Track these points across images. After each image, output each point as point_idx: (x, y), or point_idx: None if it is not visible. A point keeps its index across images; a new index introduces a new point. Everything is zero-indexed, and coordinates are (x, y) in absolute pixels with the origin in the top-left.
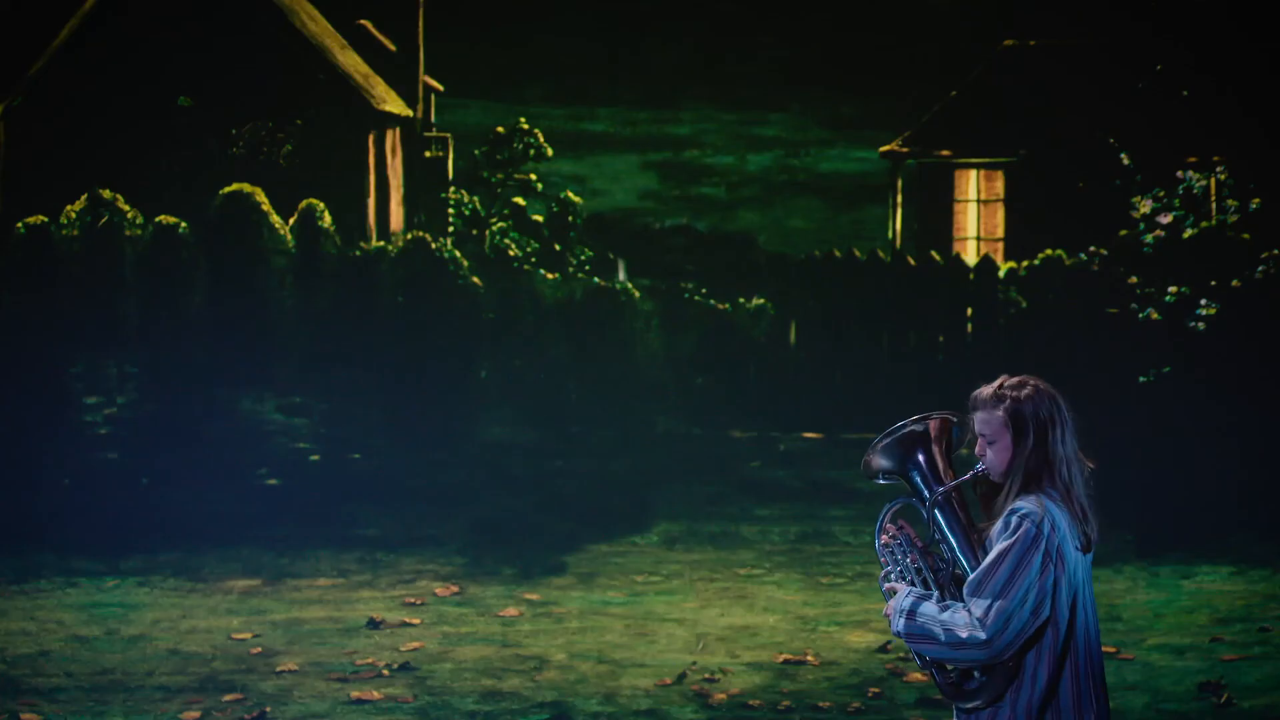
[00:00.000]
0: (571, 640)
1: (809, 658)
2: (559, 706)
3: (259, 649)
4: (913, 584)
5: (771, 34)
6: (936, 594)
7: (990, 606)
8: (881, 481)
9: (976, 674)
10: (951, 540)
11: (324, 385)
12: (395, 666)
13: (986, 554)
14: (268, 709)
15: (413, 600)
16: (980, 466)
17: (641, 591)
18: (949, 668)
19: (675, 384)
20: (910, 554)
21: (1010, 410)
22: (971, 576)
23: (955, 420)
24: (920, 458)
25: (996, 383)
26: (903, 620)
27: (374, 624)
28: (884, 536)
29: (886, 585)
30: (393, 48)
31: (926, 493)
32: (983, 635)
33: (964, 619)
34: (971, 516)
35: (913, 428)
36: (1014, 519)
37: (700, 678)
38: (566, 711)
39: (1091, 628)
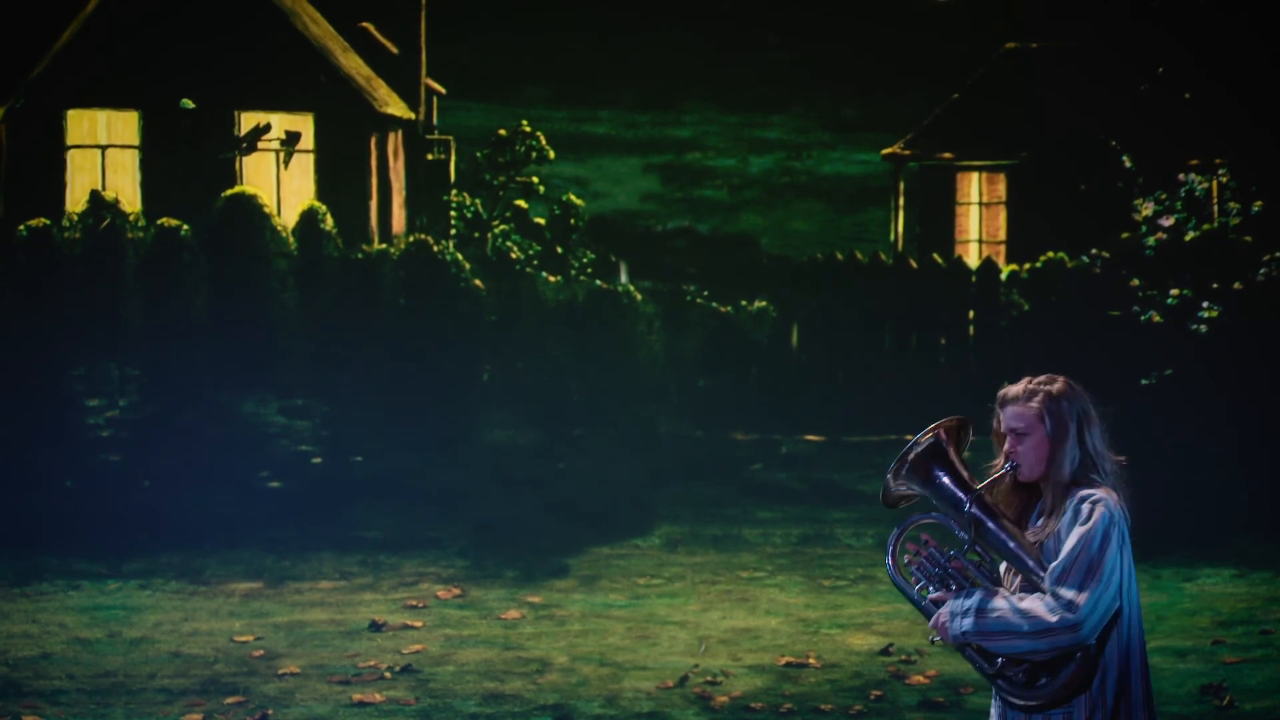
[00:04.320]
0: (573, 643)
1: (811, 660)
2: (561, 709)
3: (261, 651)
4: (960, 588)
5: (773, 36)
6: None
7: (1080, 589)
8: (902, 506)
9: (1046, 672)
10: (1001, 536)
11: (326, 387)
12: (397, 669)
13: (1031, 546)
14: (270, 711)
15: (414, 603)
16: (1011, 464)
17: (643, 594)
18: (1015, 667)
19: (677, 386)
20: (946, 560)
21: (1046, 404)
22: (1055, 564)
23: (959, 422)
24: (943, 469)
25: (1025, 380)
26: (970, 620)
27: (376, 626)
28: (905, 556)
29: (931, 597)
30: (394, 50)
31: (962, 495)
32: (1074, 617)
33: (1047, 605)
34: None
35: (926, 442)
36: (1085, 506)
37: (702, 680)
38: (568, 714)
39: (1140, 614)
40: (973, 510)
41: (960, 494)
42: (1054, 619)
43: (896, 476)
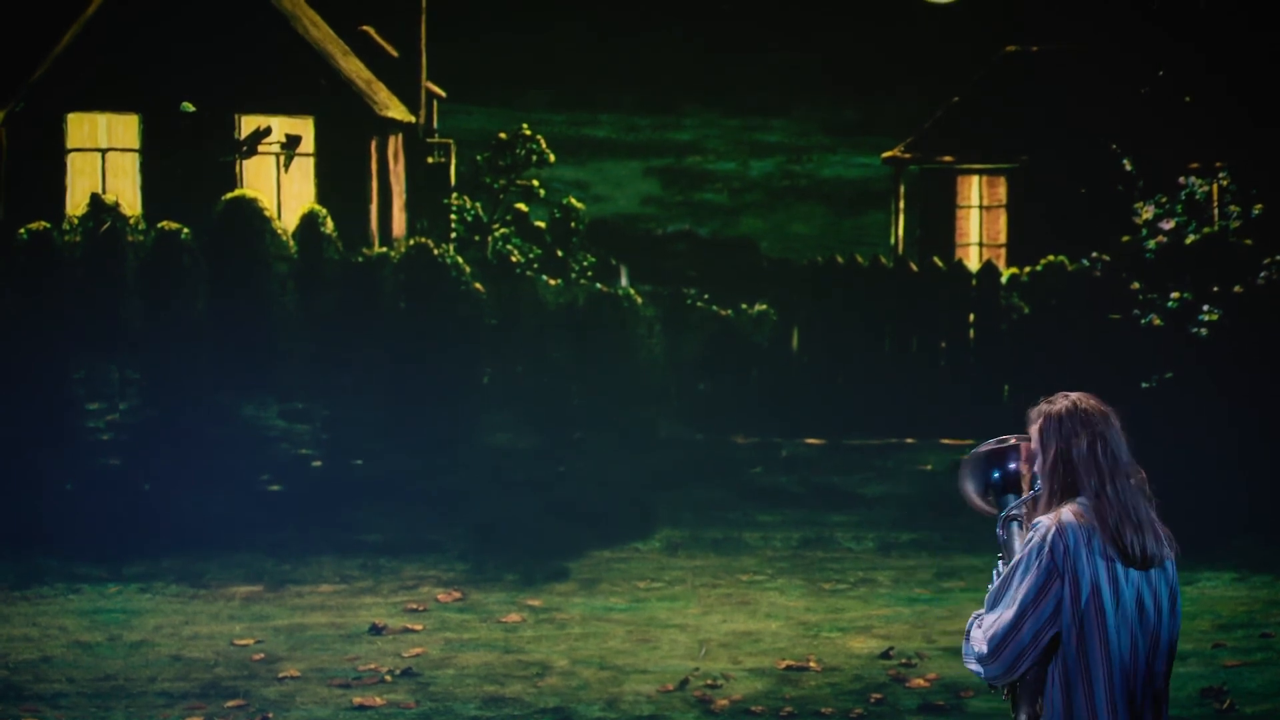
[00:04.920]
0: (574, 646)
1: (811, 663)
2: (561, 713)
3: (261, 655)
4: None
5: (773, 40)
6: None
7: (995, 619)
8: (984, 507)
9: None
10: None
11: (326, 391)
12: (398, 672)
13: None
14: (270, 715)
15: (415, 606)
16: (1039, 484)
17: (644, 597)
18: (1000, 690)
19: (677, 389)
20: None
21: (1039, 423)
22: (990, 591)
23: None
24: (998, 483)
25: (1044, 399)
26: (964, 643)
27: (376, 630)
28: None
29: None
30: (395, 54)
31: (998, 514)
32: (985, 649)
33: (980, 634)
34: None
35: (1002, 444)
36: (1031, 534)
37: (702, 684)
38: (569, 717)
39: (1123, 644)
40: (998, 530)
41: (998, 513)
42: (979, 648)
43: (960, 481)
